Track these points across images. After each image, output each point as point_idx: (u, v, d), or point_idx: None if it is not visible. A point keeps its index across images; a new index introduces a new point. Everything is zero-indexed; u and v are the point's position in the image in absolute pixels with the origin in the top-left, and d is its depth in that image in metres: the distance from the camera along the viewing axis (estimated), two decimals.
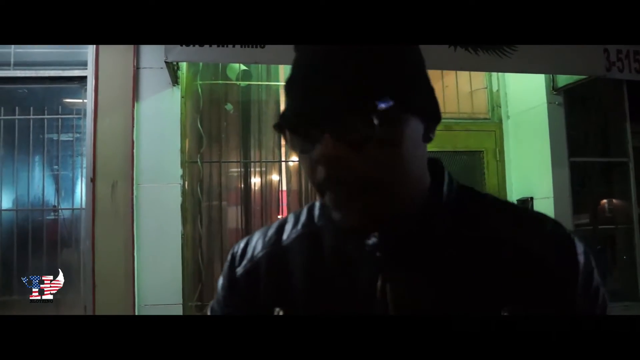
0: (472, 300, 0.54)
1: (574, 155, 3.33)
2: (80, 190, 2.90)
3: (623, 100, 3.50)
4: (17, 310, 2.65)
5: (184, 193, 2.96)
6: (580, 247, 0.57)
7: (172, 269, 2.83)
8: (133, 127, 2.82)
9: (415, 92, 0.54)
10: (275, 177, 3.24)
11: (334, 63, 0.51)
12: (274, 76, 3.23)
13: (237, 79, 3.16)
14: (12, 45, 2.82)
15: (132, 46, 2.83)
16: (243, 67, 3.12)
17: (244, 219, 3.15)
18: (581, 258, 0.56)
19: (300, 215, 0.67)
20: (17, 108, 2.88)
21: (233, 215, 3.17)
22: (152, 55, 2.85)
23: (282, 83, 3.20)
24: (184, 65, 3.03)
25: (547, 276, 0.54)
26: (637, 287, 3.39)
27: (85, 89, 2.87)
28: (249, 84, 3.20)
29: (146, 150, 2.85)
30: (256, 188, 3.20)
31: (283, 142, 3.14)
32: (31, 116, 2.89)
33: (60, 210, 2.91)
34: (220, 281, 0.69)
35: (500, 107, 3.59)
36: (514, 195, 3.47)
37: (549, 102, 3.27)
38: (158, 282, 2.79)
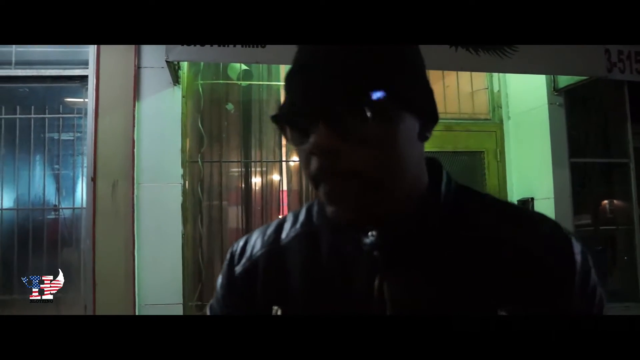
0: (469, 300, 0.54)
1: (575, 156, 3.32)
2: (81, 190, 2.90)
3: (624, 101, 3.49)
4: (17, 309, 2.65)
5: (184, 193, 2.96)
6: (577, 247, 0.57)
7: (172, 269, 2.83)
8: (134, 126, 2.82)
9: (412, 89, 0.55)
10: (276, 177, 3.24)
11: (331, 57, 0.52)
12: (274, 76, 3.23)
13: (238, 79, 3.16)
14: (13, 45, 2.83)
15: (133, 46, 2.83)
16: (244, 66, 3.12)
17: (244, 218, 3.15)
18: (578, 258, 0.56)
19: (299, 215, 0.67)
20: (18, 107, 2.88)
21: (233, 215, 3.17)
22: (153, 54, 2.85)
23: (282, 83, 3.19)
24: (184, 65, 3.03)
25: (545, 276, 0.54)
26: (638, 288, 3.38)
27: (86, 88, 2.87)
28: (249, 84, 3.20)
29: (147, 150, 2.85)
30: (257, 188, 3.20)
31: (284, 141, 3.15)
32: (32, 115, 2.89)
33: (60, 210, 2.91)
34: (220, 280, 0.69)
35: (501, 107, 3.58)
36: (514, 195, 3.46)
37: (550, 103, 3.27)
38: (158, 282, 2.79)
